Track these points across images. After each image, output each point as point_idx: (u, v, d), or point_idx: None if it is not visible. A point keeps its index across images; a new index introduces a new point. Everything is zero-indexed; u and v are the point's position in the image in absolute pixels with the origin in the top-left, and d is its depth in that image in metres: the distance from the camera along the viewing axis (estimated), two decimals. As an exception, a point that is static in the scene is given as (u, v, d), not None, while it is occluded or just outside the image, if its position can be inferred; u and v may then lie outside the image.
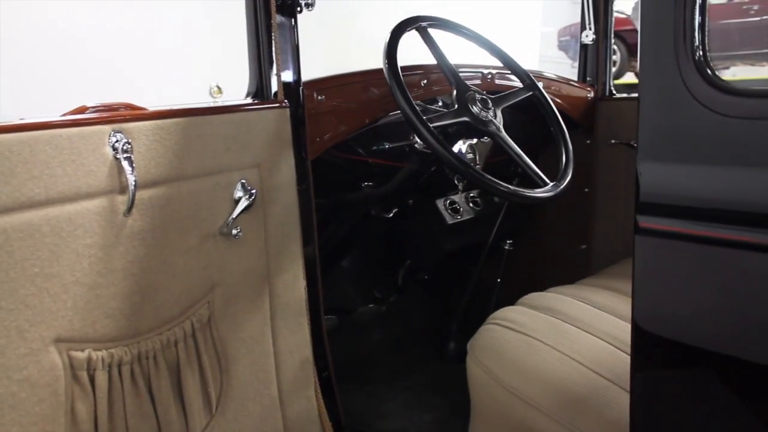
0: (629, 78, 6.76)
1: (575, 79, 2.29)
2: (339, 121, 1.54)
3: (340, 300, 2.18)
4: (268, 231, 1.37)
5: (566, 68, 6.16)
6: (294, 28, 1.39)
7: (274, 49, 1.36)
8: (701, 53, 0.81)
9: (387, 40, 1.48)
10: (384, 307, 2.20)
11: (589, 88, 2.25)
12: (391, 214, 1.91)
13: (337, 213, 1.94)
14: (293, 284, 1.44)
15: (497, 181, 1.40)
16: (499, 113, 1.58)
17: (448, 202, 2.00)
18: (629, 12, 2.24)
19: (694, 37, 0.81)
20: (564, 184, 1.54)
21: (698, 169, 0.82)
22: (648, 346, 0.90)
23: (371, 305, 2.16)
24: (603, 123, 2.25)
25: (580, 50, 2.30)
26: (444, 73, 1.59)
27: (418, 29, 1.58)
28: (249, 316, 1.35)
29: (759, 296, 0.78)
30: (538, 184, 1.51)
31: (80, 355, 1.07)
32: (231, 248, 1.29)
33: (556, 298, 1.57)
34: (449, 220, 1.99)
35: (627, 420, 1.19)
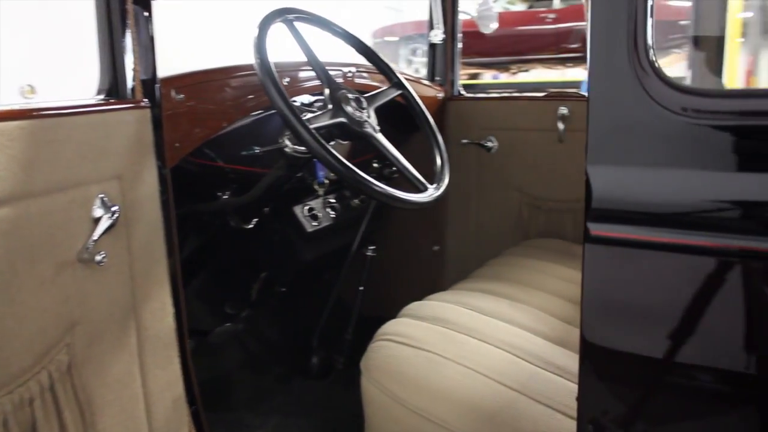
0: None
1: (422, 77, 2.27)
2: (197, 123, 1.37)
3: (193, 321, 1.96)
4: (133, 253, 1.16)
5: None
6: (149, 19, 1.20)
7: (131, 40, 1.16)
8: (653, 53, 0.78)
9: (256, 34, 1.34)
10: (241, 326, 2.02)
11: (438, 88, 2.25)
12: (252, 225, 1.74)
13: (187, 226, 1.74)
14: (161, 313, 1.24)
15: (383, 185, 1.32)
16: (372, 113, 1.50)
17: (306, 208, 1.88)
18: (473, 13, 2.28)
19: (646, 35, 0.78)
20: (444, 187, 1.50)
21: (655, 172, 0.79)
22: (598, 365, 0.86)
23: (228, 324, 1.98)
24: (453, 123, 2.26)
25: (429, 49, 2.29)
26: (315, 70, 1.48)
27: (284, 22, 1.45)
28: (115, 356, 1.14)
29: (722, 304, 0.76)
30: (417, 188, 1.45)
31: None
32: (92, 277, 1.07)
33: (439, 306, 1.51)
34: (308, 228, 1.87)
35: None
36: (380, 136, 1.47)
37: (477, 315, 1.45)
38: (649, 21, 0.77)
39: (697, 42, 1.96)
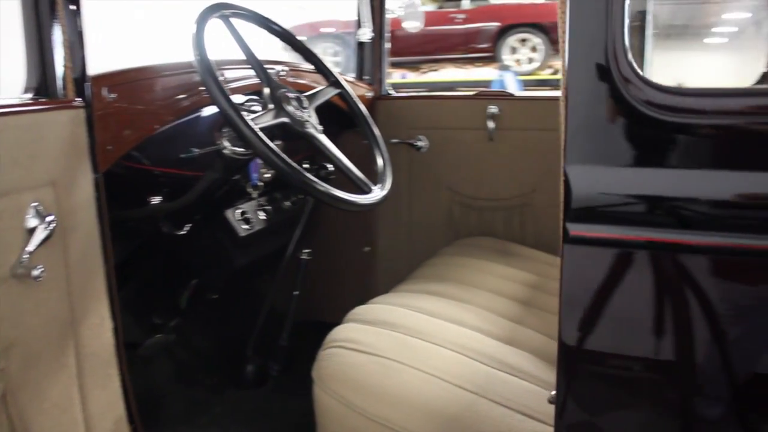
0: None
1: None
2: (128, 125, 1.29)
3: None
4: (70, 266, 1.07)
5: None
6: (78, 12, 1.12)
7: (61, 34, 1.07)
8: (631, 53, 0.78)
9: (194, 31, 1.27)
10: (173, 336, 1.91)
11: (367, 86, 2.22)
12: (185, 231, 1.66)
13: (116, 233, 1.64)
14: (100, 329, 1.16)
15: (329, 187, 1.29)
16: (313, 113, 1.46)
17: (239, 212, 1.81)
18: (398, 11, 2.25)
19: (624, 37, 0.78)
20: (389, 187, 1.48)
21: (636, 171, 0.79)
22: (578, 369, 0.86)
23: (158, 336, 1.87)
24: (382, 122, 2.23)
25: (357, 48, 2.26)
26: (254, 69, 1.42)
27: (221, 18, 1.39)
28: (53, 379, 1.04)
29: (709, 303, 0.77)
30: (361, 189, 1.42)
31: None
32: (27, 293, 0.98)
33: (385, 309, 1.48)
34: (241, 233, 1.80)
35: None
36: (323, 137, 1.43)
37: (424, 317, 1.44)
38: (626, 22, 0.78)
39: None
